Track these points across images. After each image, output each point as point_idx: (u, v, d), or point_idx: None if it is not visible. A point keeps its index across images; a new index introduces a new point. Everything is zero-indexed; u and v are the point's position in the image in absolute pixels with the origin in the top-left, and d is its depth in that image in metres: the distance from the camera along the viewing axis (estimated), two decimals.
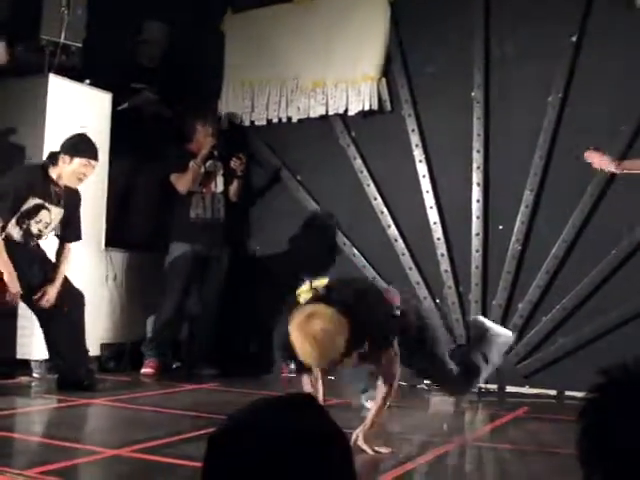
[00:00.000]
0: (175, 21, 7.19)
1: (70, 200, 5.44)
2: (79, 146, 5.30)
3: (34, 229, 5.28)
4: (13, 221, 5.17)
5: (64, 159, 5.24)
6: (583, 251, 5.85)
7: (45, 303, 5.27)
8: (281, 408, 1.26)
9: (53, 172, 5.28)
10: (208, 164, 6.73)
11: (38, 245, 5.42)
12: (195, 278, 6.69)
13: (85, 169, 5.29)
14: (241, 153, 6.79)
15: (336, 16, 6.76)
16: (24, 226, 5.22)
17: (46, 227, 5.35)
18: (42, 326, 5.39)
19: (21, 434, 4.11)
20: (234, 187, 6.81)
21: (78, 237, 5.62)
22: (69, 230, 5.53)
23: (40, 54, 6.11)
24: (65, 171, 5.26)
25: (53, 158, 5.30)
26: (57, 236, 5.51)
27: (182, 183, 6.60)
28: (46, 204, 5.27)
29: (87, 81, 6.40)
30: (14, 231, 5.20)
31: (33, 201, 5.20)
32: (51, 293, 5.28)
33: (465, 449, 4.08)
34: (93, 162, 5.32)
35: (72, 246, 5.58)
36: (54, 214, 5.35)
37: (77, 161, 5.24)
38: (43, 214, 5.29)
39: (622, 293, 5.59)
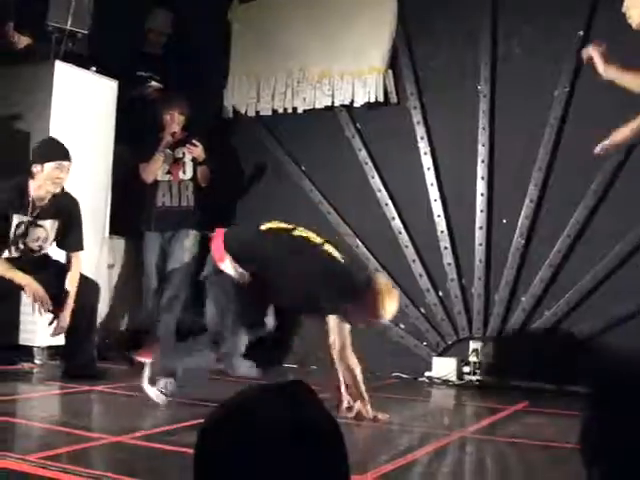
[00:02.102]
0: (181, 10, 7.18)
1: (65, 209, 5.40)
2: (46, 151, 5.24)
3: (33, 246, 5.29)
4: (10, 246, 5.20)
5: (36, 168, 5.17)
6: (587, 246, 5.85)
7: (60, 330, 5.29)
8: (274, 396, 1.25)
9: (33, 185, 5.21)
10: (176, 151, 6.73)
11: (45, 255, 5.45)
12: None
13: (58, 172, 5.19)
14: (195, 139, 6.68)
15: (343, 7, 6.76)
16: (21, 246, 5.23)
17: (45, 241, 5.34)
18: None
19: (23, 420, 4.12)
20: (199, 173, 6.74)
21: (78, 247, 5.54)
22: (68, 240, 5.48)
23: (46, 41, 6.11)
24: (40, 179, 5.18)
25: (29, 172, 5.22)
26: (58, 246, 5.51)
27: (145, 172, 6.67)
28: (37, 221, 5.24)
29: (93, 68, 6.40)
30: (13, 251, 5.23)
31: (17, 219, 5.17)
32: (64, 320, 5.28)
33: (464, 442, 4.08)
34: (65, 163, 5.22)
35: (79, 255, 5.54)
36: (49, 228, 5.33)
37: (48, 166, 5.15)
38: (37, 232, 5.27)
39: (626, 288, 5.59)
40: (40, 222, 5.27)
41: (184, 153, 6.73)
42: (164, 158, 6.67)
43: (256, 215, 7.09)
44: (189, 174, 6.74)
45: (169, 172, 6.72)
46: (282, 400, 1.23)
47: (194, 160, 6.71)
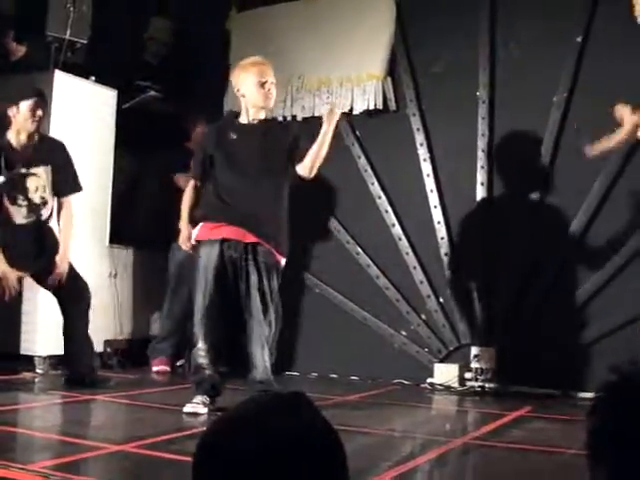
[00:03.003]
0: (181, 18, 7.20)
1: (53, 153, 5.32)
2: (20, 92, 5.19)
3: (36, 198, 5.20)
4: (6, 202, 5.10)
5: (12, 111, 5.11)
6: (587, 251, 5.85)
7: (57, 277, 5.22)
8: (274, 408, 1.25)
9: (11, 134, 5.15)
10: None
11: (44, 224, 5.33)
12: None
13: (35, 109, 5.13)
14: None
15: (342, 15, 6.76)
16: (24, 203, 5.16)
17: (44, 191, 5.23)
18: (61, 307, 5.40)
19: (25, 429, 4.11)
20: None
21: (77, 188, 5.44)
22: (64, 184, 5.36)
23: (46, 50, 6.13)
24: (19, 122, 5.12)
25: (3, 122, 5.15)
26: (55, 195, 5.36)
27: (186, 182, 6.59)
28: (29, 170, 5.15)
29: (92, 78, 6.41)
30: (16, 212, 5.15)
31: (6, 176, 5.08)
32: (61, 265, 5.22)
33: (467, 448, 4.07)
34: (40, 100, 5.18)
35: (72, 201, 5.44)
36: (42, 174, 5.22)
37: (24, 105, 5.10)
38: (33, 181, 5.17)
39: (626, 294, 5.58)
40: (33, 170, 5.18)
41: None
42: None
43: None
44: None
45: None
46: (282, 411, 1.23)
47: None
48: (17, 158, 5.16)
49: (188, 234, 4.93)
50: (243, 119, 4.96)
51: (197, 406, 4.58)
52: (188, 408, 4.57)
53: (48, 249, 5.30)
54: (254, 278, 4.66)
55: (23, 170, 5.16)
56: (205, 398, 4.63)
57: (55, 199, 5.38)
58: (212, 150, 4.94)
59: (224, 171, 4.87)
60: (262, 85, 4.88)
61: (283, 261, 4.83)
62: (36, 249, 5.25)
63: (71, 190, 5.44)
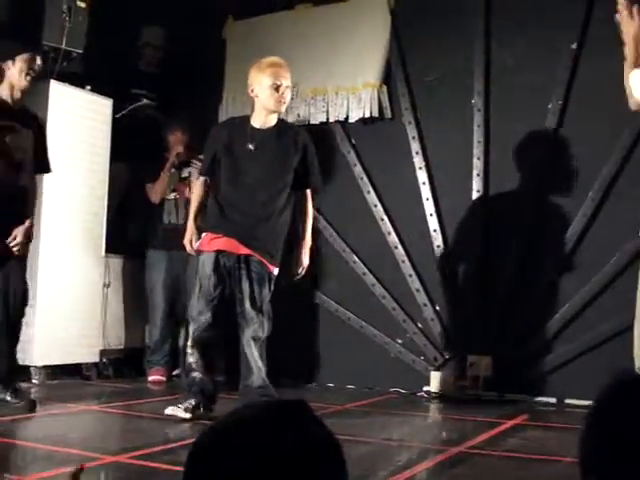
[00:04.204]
0: (176, 27, 7.20)
1: (36, 121, 5.10)
2: (14, 46, 5.01)
3: (18, 155, 4.88)
4: None
5: (7, 66, 4.88)
6: (582, 260, 5.85)
7: (15, 243, 4.84)
8: (273, 417, 1.20)
9: (3, 89, 4.90)
10: (184, 170, 6.78)
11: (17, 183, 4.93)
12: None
13: (32, 62, 4.94)
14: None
15: (337, 24, 6.77)
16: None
17: (25, 153, 4.93)
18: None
19: (19, 440, 4.11)
20: None
21: (48, 168, 5.16)
22: (38, 160, 5.04)
23: (42, 60, 6.12)
24: (13, 75, 4.89)
25: None
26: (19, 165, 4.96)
27: (153, 193, 6.71)
28: (14, 124, 4.87)
29: (88, 87, 6.41)
30: None
31: None
32: (19, 235, 4.85)
33: (464, 457, 4.06)
34: (36, 55, 5.02)
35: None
36: (25, 138, 4.95)
37: (20, 58, 4.89)
38: (14, 138, 4.86)
39: (621, 301, 5.56)
40: (15, 125, 4.90)
41: (190, 172, 6.74)
42: (170, 178, 6.70)
43: None
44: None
45: (174, 190, 6.74)
46: (280, 421, 1.20)
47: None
48: (6, 114, 4.89)
49: (190, 237, 5.00)
50: (255, 122, 4.93)
51: (177, 409, 4.62)
52: (168, 410, 4.63)
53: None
54: (246, 287, 4.73)
55: (9, 123, 4.87)
56: (190, 403, 4.66)
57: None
58: (221, 154, 4.93)
59: (229, 181, 4.89)
60: (276, 88, 4.85)
61: (276, 271, 4.86)
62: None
63: (45, 169, 5.16)
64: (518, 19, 6.16)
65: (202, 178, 5.14)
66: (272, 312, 4.84)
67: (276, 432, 1.17)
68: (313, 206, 5.07)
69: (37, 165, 5.08)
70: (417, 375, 6.23)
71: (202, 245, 4.87)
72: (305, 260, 5.01)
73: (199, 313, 4.76)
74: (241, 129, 4.95)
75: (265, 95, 4.85)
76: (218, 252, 4.77)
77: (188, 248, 5.04)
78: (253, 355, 4.71)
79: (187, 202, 6.63)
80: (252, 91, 4.92)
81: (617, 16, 4.03)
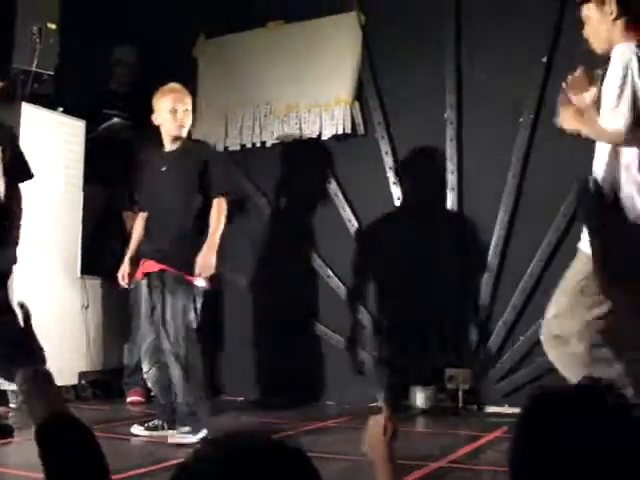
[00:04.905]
0: (147, 46, 7.18)
1: (7, 135, 4.80)
2: None
3: None
4: None
5: None
6: (559, 269, 5.85)
7: None
8: (254, 455, 1.15)
9: None
10: None
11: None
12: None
13: None
14: None
15: (309, 40, 6.79)
16: None
17: None
18: None
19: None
20: None
21: (30, 175, 4.81)
22: (17, 169, 4.69)
23: (11, 83, 6.09)
24: None
25: None
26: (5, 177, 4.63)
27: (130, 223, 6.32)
28: None
29: (60, 109, 6.38)
30: None
31: None
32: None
33: (444, 472, 4.07)
34: None
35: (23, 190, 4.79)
36: None
37: None
38: None
39: None
40: None
41: None
42: None
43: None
44: None
45: None
46: (263, 461, 1.14)
47: None
48: None
49: (123, 270, 5.10)
50: (166, 146, 5.06)
51: (137, 427, 4.91)
52: (133, 428, 4.93)
53: None
54: (167, 303, 4.78)
55: None
56: (153, 423, 4.90)
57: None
58: (141, 181, 5.17)
59: (148, 205, 5.11)
60: (175, 112, 4.94)
61: (200, 282, 4.84)
62: None
63: (27, 176, 4.79)
64: (489, 32, 6.20)
65: (141, 213, 5.23)
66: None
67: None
68: (219, 212, 4.91)
69: (18, 174, 4.73)
70: (395, 389, 6.22)
71: (137, 273, 5.02)
72: (203, 261, 4.80)
73: (143, 336, 4.96)
74: (155, 154, 5.12)
75: (166, 120, 4.97)
76: (146, 275, 4.90)
77: (121, 282, 5.13)
78: (173, 372, 4.75)
79: None
80: (155, 119, 5.03)
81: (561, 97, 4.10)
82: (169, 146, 5.03)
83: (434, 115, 6.35)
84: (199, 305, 4.86)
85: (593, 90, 3.94)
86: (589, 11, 3.85)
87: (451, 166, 6.26)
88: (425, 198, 6.37)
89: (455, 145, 6.27)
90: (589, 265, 3.73)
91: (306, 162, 6.78)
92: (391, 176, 6.45)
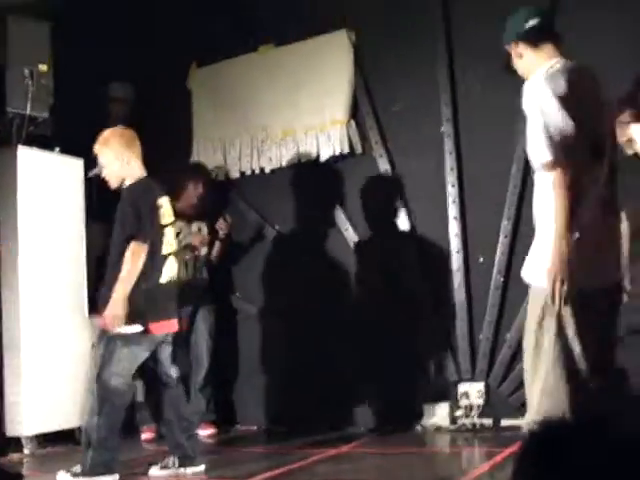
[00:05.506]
0: (142, 81, 7.19)
1: None
2: None
3: None
4: None
5: None
6: None
7: None
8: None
9: None
10: (193, 226, 6.62)
11: None
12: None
13: None
14: (227, 214, 6.69)
15: (300, 62, 6.77)
16: None
17: None
18: None
19: None
20: (216, 249, 6.65)
21: None
22: None
23: (7, 126, 6.10)
24: None
25: None
26: None
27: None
28: None
29: (57, 149, 6.38)
30: None
31: None
32: None
33: None
34: None
35: None
36: None
37: None
38: None
39: None
40: None
41: (200, 228, 6.62)
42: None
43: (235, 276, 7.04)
44: (204, 249, 6.62)
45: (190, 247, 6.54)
46: None
47: (212, 234, 6.62)
48: None
49: None
50: None
51: (154, 468, 4.92)
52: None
53: None
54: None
55: None
56: (166, 462, 4.90)
57: None
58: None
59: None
60: None
61: (127, 329, 4.70)
62: None
63: None
64: (481, 43, 6.15)
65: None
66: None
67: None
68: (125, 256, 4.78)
69: None
70: (410, 409, 6.17)
71: None
72: (107, 309, 4.70)
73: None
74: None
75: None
76: None
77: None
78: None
79: (196, 258, 6.56)
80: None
81: None
82: None
83: (431, 129, 6.32)
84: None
85: None
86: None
87: (451, 179, 6.23)
88: (427, 213, 6.32)
89: (454, 157, 6.23)
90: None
91: (305, 185, 6.74)
92: (392, 193, 6.41)
